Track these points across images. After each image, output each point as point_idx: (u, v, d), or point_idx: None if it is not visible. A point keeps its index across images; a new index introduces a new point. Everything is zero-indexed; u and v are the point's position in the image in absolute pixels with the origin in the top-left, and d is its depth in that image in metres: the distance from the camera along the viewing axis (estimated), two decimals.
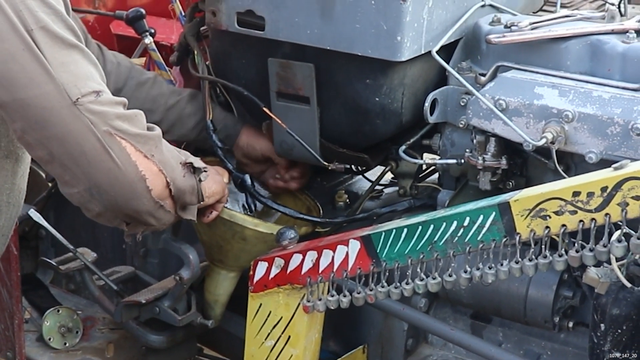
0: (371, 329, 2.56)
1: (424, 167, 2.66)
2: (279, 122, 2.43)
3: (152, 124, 2.04)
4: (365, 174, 2.82)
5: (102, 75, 1.88)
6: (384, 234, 2.11)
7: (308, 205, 2.62)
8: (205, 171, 2.13)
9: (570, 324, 2.36)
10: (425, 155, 2.53)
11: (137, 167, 1.88)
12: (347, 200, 2.73)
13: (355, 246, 2.16)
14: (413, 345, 2.54)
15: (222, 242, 2.47)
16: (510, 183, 2.36)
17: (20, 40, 1.73)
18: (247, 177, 2.51)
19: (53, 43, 1.76)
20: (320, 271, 2.22)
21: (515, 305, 2.34)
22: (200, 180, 2.12)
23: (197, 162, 2.10)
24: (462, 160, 2.34)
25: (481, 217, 1.98)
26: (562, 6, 2.67)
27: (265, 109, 2.43)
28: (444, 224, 2.03)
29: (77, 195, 1.90)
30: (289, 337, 2.34)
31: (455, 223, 2.02)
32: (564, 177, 2.14)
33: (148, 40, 3.07)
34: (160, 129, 2.00)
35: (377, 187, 2.74)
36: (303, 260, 2.24)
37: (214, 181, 2.27)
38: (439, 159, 2.44)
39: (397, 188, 2.70)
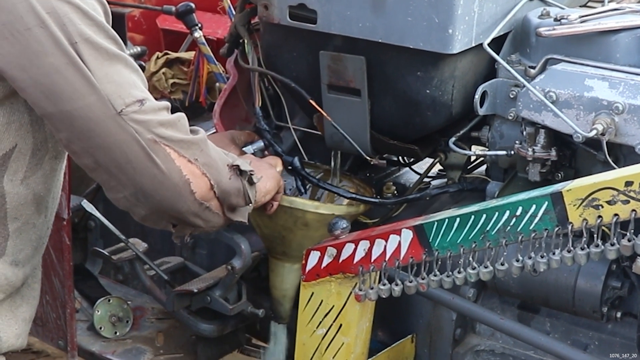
0: (419, 319, 2.60)
1: (472, 158, 2.71)
2: (324, 114, 2.48)
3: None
4: (412, 167, 2.87)
5: (144, 80, 1.91)
6: (436, 223, 2.16)
7: (359, 188, 2.66)
8: (252, 174, 2.15)
9: (618, 315, 2.39)
10: (473, 147, 2.58)
11: (181, 171, 1.92)
12: (395, 192, 2.78)
13: (407, 235, 2.21)
14: (461, 335, 2.58)
15: (284, 232, 2.53)
16: (559, 174, 2.40)
17: (64, 54, 1.76)
18: (297, 160, 2.55)
19: (97, 55, 1.79)
20: (372, 260, 2.27)
21: (564, 295, 2.38)
22: (251, 183, 2.16)
23: (244, 164, 2.13)
24: (512, 152, 2.39)
25: (534, 206, 2.03)
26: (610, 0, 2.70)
27: (311, 101, 2.48)
28: (497, 213, 2.08)
29: (123, 200, 1.95)
30: (341, 325, 2.39)
31: (507, 212, 2.06)
32: (614, 168, 2.18)
33: (198, 34, 3.13)
34: (203, 131, 2.04)
35: (424, 180, 2.79)
36: (355, 249, 2.29)
37: (268, 177, 2.32)
38: (488, 150, 2.49)
39: (444, 180, 2.75)
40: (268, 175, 2.33)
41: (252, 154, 2.56)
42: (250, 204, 2.18)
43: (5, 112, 1.85)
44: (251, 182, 2.17)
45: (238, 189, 2.11)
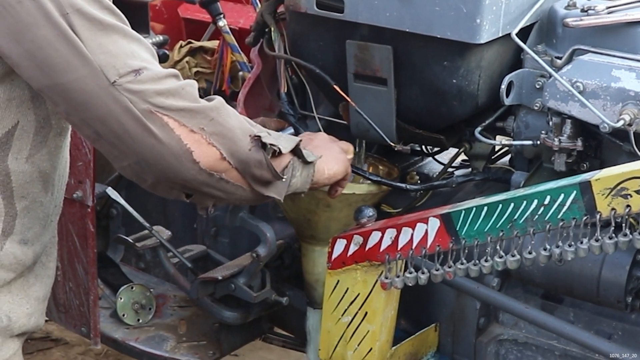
0: (443, 308, 2.62)
1: (497, 149, 2.73)
2: (350, 100, 2.49)
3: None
4: (436, 157, 2.89)
5: (148, 48, 1.88)
6: (464, 212, 2.17)
7: (388, 170, 2.68)
8: (274, 148, 2.05)
9: None
10: (498, 137, 2.60)
11: (182, 140, 1.88)
12: (419, 182, 2.79)
13: (434, 224, 2.22)
14: (485, 324, 2.59)
15: (309, 215, 2.55)
16: (585, 165, 2.42)
17: (56, 26, 1.75)
18: None
19: (90, 25, 1.77)
20: (399, 248, 2.28)
21: (588, 285, 2.39)
22: (305, 161, 2.13)
23: (267, 137, 2.04)
24: (538, 142, 2.41)
25: (562, 195, 2.05)
26: None
27: (336, 87, 2.49)
28: (525, 202, 2.09)
29: (128, 169, 1.93)
30: (366, 313, 2.41)
31: (535, 201, 2.08)
32: None
33: (222, 22, 3.15)
34: (220, 97, 2.00)
35: (448, 170, 2.80)
36: (382, 237, 2.31)
37: (336, 161, 2.29)
38: (514, 140, 2.50)
39: (467, 170, 2.77)
40: (336, 158, 2.29)
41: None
42: (281, 179, 2.09)
43: (5, 89, 1.85)
44: (304, 160, 2.14)
45: (259, 160, 2.02)
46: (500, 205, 2.12)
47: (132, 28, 1.87)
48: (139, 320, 2.95)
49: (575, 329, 2.36)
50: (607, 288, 2.37)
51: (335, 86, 2.47)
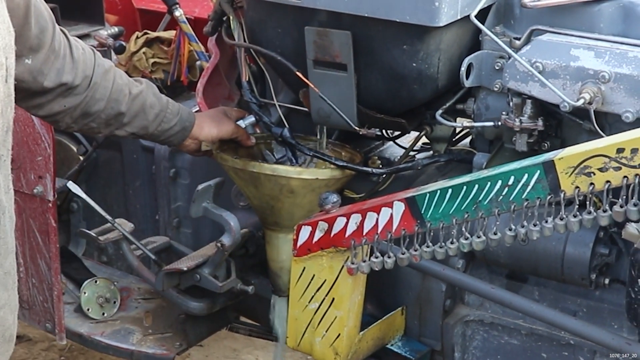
0: (409, 291, 2.63)
1: (457, 131, 2.74)
2: (313, 87, 2.49)
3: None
4: (396, 141, 2.90)
5: None
6: (428, 195, 2.18)
7: (350, 154, 2.68)
8: None
9: (606, 281, 2.43)
10: (458, 119, 2.61)
11: None
12: (380, 166, 2.80)
13: (399, 208, 2.23)
14: (450, 306, 2.61)
15: (272, 202, 2.54)
16: (546, 144, 2.43)
17: None
18: (287, 131, 2.58)
19: None
20: (364, 233, 2.29)
21: (553, 263, 2.42)
22: None
23: None
24: (499, 123, 2.42)
25: (526, 175, 2.06)
26: None
27: (299, 73, 2.49)
28: (489, 183, 2.11)
29: None
30: (333, 299, 2.41)
31: (499, 182, 2.09)
32: (600, 137, 2.21)
33: (178, 12, 3.13)
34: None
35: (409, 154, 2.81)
36: (347, 223, 2.31)
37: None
38: (475, 122, 2.51)
39: (429, 153, 2.77)
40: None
41: (244, 128, 2.59)
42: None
43: None
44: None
45: None
46: (465, 187, 2.14)
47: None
48: (103, 314, 2.93)
49: (540, 307, 2.38)
50: (571, 266, 2.40)
51: (297, 73, 2.47)
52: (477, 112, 2.52)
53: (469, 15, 2.33)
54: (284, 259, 2.65)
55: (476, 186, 2.12)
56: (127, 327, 2.91)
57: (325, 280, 2.40)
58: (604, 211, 2.01)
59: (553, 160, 2.02)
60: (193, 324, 2.89)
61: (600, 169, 1.98)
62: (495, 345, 2.58)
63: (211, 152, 2.63)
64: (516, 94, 2.35)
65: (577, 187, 2.01)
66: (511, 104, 2.37)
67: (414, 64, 2.40)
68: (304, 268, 2.42)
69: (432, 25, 2.30)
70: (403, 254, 2.27)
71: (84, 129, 2.44)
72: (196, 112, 2.64)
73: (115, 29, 3.38)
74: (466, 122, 2.54)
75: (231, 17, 2.61)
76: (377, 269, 2.32)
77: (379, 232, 2.27)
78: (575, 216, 2.04)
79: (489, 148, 2.57)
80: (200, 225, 3.04)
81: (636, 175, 1.95)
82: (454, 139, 2.76)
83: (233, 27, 2.61)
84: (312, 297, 2.44)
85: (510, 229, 2.12)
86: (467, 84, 2.44)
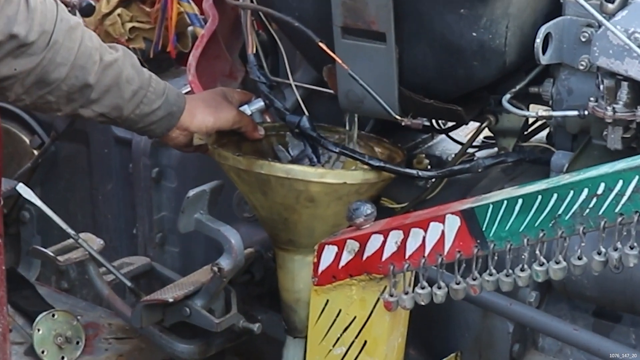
0: (465, 332, 2.65)
1: (531, 121, 2.75)
2: (341, 62, 2.50)
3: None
4: (451, 134, 2.91)
5: None
6: (491, 206, 2.19)
7: (390, 153, 2.70)
8: None
9: None
10: (532, 106, 2.62)
11: None
12: (429, 168, 2.81)
13: (453, 223, 2.23)
14: (520, 352, 2.62)
15: (286, 213, 2.56)
16: None
17: None
18: (306, 120, 2.59)
19: None
20: (407, 256, 2.30)
21: None
22: None
23: None
24: (585, 112, 2.42)
25: (620, 182, 2.06)
26: None
27: (322, 44, 2.50)
28: (571, 192, 2.11)
29: None
30: (365, 342, 2.42)
31: (586, 191, 2.09)
32: None
33: None
34: None
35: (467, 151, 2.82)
36: (384, 242, 2.31)
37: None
38: (553, 111, 2.52)
39: (493, 151, 2.79)
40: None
41: (249, 116, 2.61)
42: None
43: None
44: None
45: None
46: (540, 197, 2.14)
47: None
48: (63, 358, 2.95)
49: (638, 354, 2.38)
50: None
51: (320, 43, 2.48)
52: (556, 98, 2.52)
53: None
54: (300, 288, 2.67)
55: (555, 195, 2.13)
56: None
57: (355, 317, 2.41)
58: None
59: None
60: None
61: None
62: None
63: (206, 147, 2.64)
64: (608, 75, 2.36)
65: None
66: (602, 87, 2.38)
67: (474, 34, 2.41)
68: (327, 301, 2.43)
69: None
70: (458, 283, 2.27)
71: (38, 104, 2.45)
72: (187, 93, 2.66)
73: None
74: (542, 111, 2.55)
75: None
76: (423, 303, 2.33)
77: (426, 254, 2.27)
78: None
79: (571, 145, 2.58)
80: (191, 242, 3.06)
81: None
82: (525, 133, 2.77)
83: None
84: (338, 339, 2.44)
85: (599, 253, 2.12)
86: (544, 60, 2.45)
